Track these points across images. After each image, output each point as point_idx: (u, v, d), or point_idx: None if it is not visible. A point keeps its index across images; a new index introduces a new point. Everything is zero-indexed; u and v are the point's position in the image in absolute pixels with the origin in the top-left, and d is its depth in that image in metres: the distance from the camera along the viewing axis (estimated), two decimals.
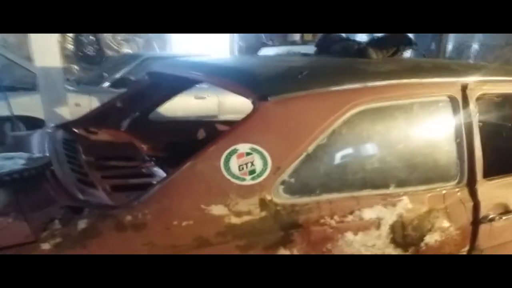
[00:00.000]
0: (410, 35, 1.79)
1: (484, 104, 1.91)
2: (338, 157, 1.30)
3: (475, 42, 5.68)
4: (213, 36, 8.28)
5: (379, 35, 1.71)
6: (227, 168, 1.09)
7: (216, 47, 8.28)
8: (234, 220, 1.08)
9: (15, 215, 1.04)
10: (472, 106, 1.47)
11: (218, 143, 1.11)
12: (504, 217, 1.49)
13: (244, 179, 1.11)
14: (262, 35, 8.37)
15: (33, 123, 3.65)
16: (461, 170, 1.46)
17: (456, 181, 1.45)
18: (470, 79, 1.49)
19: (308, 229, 1.16)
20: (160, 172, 1.83)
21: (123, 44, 6.95)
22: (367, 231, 1.24)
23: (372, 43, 1.65)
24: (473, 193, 1.45)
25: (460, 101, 1.46)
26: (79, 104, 4.00)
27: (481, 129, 1.55)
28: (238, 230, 1.08)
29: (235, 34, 8.35)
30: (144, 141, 2.31)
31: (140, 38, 7.10)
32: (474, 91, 1.48)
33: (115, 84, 4.38)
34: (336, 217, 1.20)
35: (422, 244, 1.35)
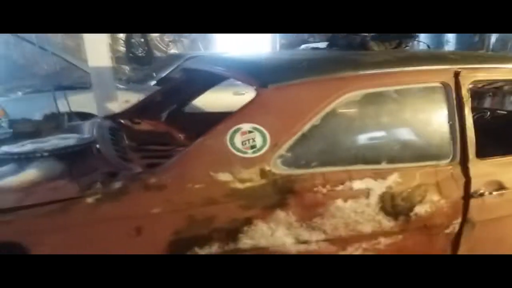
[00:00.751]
0: None
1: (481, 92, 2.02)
2: (330, 136, 1.50)
3: None
4: (256, 34, 8.57)
5: None
6: (232, 143, 1.33)
7: (258, 45, 8.56)
8: (238, 185, 1.32)
9: (68, 178, 1.34)
10: (465, 91, 1.60)
11: (225, 123, 1.36)
12: (494, 193, 1.61)
13: (246, 153, 1.34)
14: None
15: (87, 118, 4.09)
16: (454, 150, 1.60)
17: (449, 159, 1.59)
18: (462, 67, 1.62)
19: (302, 194, 1.37)
20: None
21: (170, 45, 7.41)
22: (357, 199, 1.43)
23: (374, 36, 1.83)
24: (465, 171, 1.58)
25: (453, 87, 1.60)
26: (129, 101, 4.41)
27: (481, 115, 1.68)
28: (241, 193, 1.32)
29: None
30: (180, 130, 2.60)
31: (186, 39, 7.53)
32: (466, 78, 1.61)
33: (160, 82, 4.76)
34: (327, 186, 1.40)
35: (412, 214, 1.51)
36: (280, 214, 1.34)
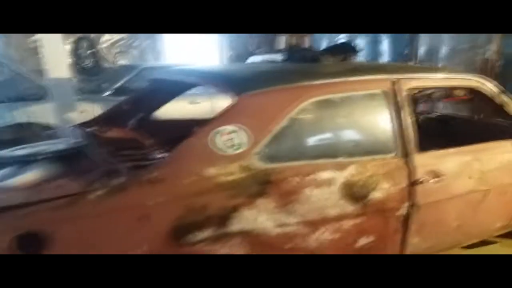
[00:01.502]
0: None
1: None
2: (298, 135, 1.76)
3: (444, 46, 6.20)
4: (204, 46, 8.78)
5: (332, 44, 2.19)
6: (215, 143, 1.54)
7: (206, 57, 8.78)
8: (224, 178, 1.53)
9: (68, 177, 1.47)
10: (401, 97, 1.93)
11: (209, 125, 1.57)
12: (432, 180, 1.94)
13: (228, 151, 1.55)
14: (249, 44, 8.88)
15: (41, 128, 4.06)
16: (397, 145, 1.91)
17: (394, 153, 1.90)
18: (399, 77, 1.96)
19: (277, 185, 1.60)
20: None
21: (118, 57, 7.41)
22: (323, 188, 1.68)
23: (323, 51, 2.13)
24: (407, 162, 1.90)
25: (391, 94, 1.92)
26: (84, 111, 4.43)
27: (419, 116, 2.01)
28: (227, 185, 1.52)
29: (223, 43, 8.85)
30: (146, 137, 2.74)
31: (135, 50, 7.57)
32: (402, 85, 1.95)
33: (115, 92, 4.81)
34: (298, 177, 1.64)
35: (368, 199, 1.78)
36: (261, 202, 1.56)
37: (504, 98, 2.32)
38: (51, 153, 1.55)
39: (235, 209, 1.51)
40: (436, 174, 1.96)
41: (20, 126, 3.90)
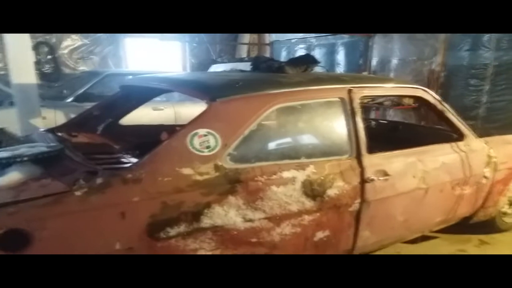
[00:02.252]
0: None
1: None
2: (264, 138, 1.95)
3: (394, 57, 6.66)
4: (166, 53, 8.84)
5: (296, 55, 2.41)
6: (192, 144, 1.69)
7: (169, 64, 8.84)
8: (198, 177, 1.67)
9: (50, 177, 1.57)
10: (356, 104, 2.17)
11: (186, 128, 1.72)
12: (381, 179, 2.18)
13: (203, 151, 1.71)
14: (212, 52, 9.04)
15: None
16: (351, 147, 2.14)
17: (348, 154, 2.13)
18: (353, 86, 2.20)
19: (246, 183, 1.77)
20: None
21: (79, 62, 7.34)
22: (286, 185, 1.87)
23: (288, 62, 2.35)
24: (360, 162, 2.13)
25: (347, 101, 2.16)
26: (45, 117, 4.39)
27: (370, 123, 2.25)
28: (201, 183, 1.67)
29: (186, 51, 8.96)
30: (115, 141, 2.83)
31: (96, 56, 7.52)
32: (357, 93, 2.19)
33: (78, 98, 4.80)
34: (264, 176, 1.82)
35: (326, 196, 1.99)
36: (231, 199, 1.72)
37: (444, 106, 2.63)
38: (32, 155, 1.63)
39: (208, 205, 1.66)
40: (384, 173, 2.20)
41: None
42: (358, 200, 2.11)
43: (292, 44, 8.64)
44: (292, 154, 1.99)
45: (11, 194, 1.42)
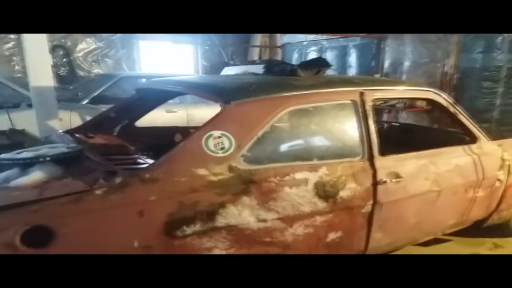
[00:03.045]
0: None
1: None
2: (277, 140, 1.98)
3: (407, 60, 6.64)
4: (179, 56, 8.95)
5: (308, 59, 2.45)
6: (207, 146, 1.74)
7: (181, 67, 8.94)
8: (213, 178, 1.72)
9: (71, 177, 1.63)
10: (368, 106, 2.20)
11: (201, 130, 1.76)
12: (393, 181, 2.20)
13: (217, 153, 1.75)
14: (223, 54, 9.11)
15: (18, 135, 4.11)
16: (363, 149, 2.16)
17: (360, 156, 2.15)
18: (365, 88, 2.22)
19: (260, 184, 1.81)
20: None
21: (93, 65, 7.47)
22: (299, 187, 1.90)
23: (300, 65, 2.38)
24: (372, 164, 2.15)
25: (359, 103, 2.18)
26: (62, 119, 4.50)
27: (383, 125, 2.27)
28: (216, 184, 1.71)
29: (198, 54, 9.05)
30: (131, 143, 2.89)
31: (110, 59, 7.64)
32: (368, 96, 2.21)
33: (93, 101, 4.90)
34: (277, 177, 1.86)
35: (338, 197, 2.02)
36: (245, 199, 1.76)
37: (456, 109, 2.64)
38: (54, 156, 1.69)
39: (222, 205, 1.70)
40: (396, 175, 2.21)
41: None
42: (371, 202, 2.13)
43: (303, 47, 8.67)
44: (305, 155, 2.02)
45: (35, 193, 1.48)
